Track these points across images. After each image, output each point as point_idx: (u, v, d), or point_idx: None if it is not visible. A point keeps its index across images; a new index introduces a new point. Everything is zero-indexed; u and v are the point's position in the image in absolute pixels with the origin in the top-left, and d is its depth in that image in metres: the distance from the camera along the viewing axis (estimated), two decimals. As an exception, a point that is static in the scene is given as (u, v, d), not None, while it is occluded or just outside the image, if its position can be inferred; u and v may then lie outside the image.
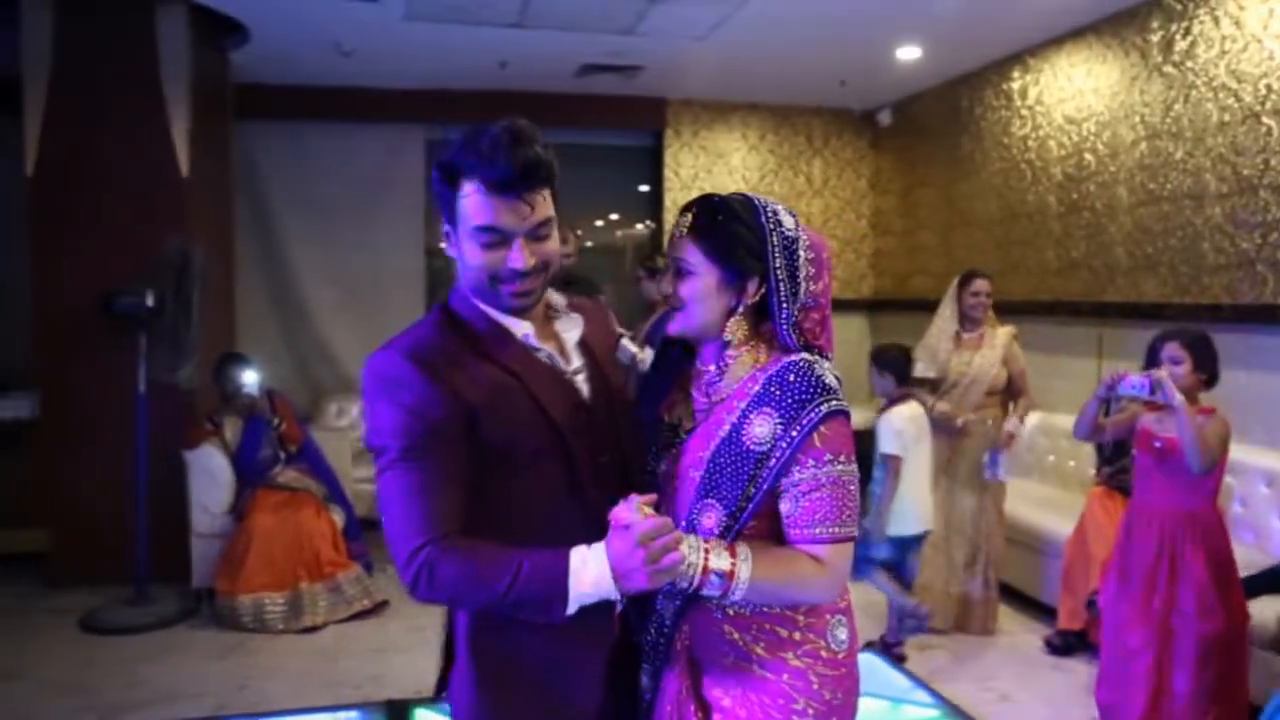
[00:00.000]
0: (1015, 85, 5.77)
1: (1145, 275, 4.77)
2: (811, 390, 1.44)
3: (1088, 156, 5.16)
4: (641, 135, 7.28)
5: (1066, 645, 4.02)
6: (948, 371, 4.20)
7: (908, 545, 3.93)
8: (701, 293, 1.49)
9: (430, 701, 3.45)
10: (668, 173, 7.15)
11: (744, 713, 1.47)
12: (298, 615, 4.38)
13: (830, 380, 1.46)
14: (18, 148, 4.76)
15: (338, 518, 4.79)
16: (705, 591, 1.40)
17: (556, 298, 1.59)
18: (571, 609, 1.34)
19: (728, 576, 1.39)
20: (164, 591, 4.59)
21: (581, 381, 1.55)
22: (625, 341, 4.50)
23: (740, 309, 1.51)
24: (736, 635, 1.48)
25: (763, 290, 1.50)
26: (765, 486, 1.44)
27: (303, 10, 4.94)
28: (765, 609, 1.48)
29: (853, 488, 1.46)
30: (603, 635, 1.52)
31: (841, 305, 7.19)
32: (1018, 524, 4.58)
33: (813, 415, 1.43)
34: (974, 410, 4.17)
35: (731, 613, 1.48)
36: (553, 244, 1.47)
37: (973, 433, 4.15)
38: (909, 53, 5.79)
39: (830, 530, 1.43)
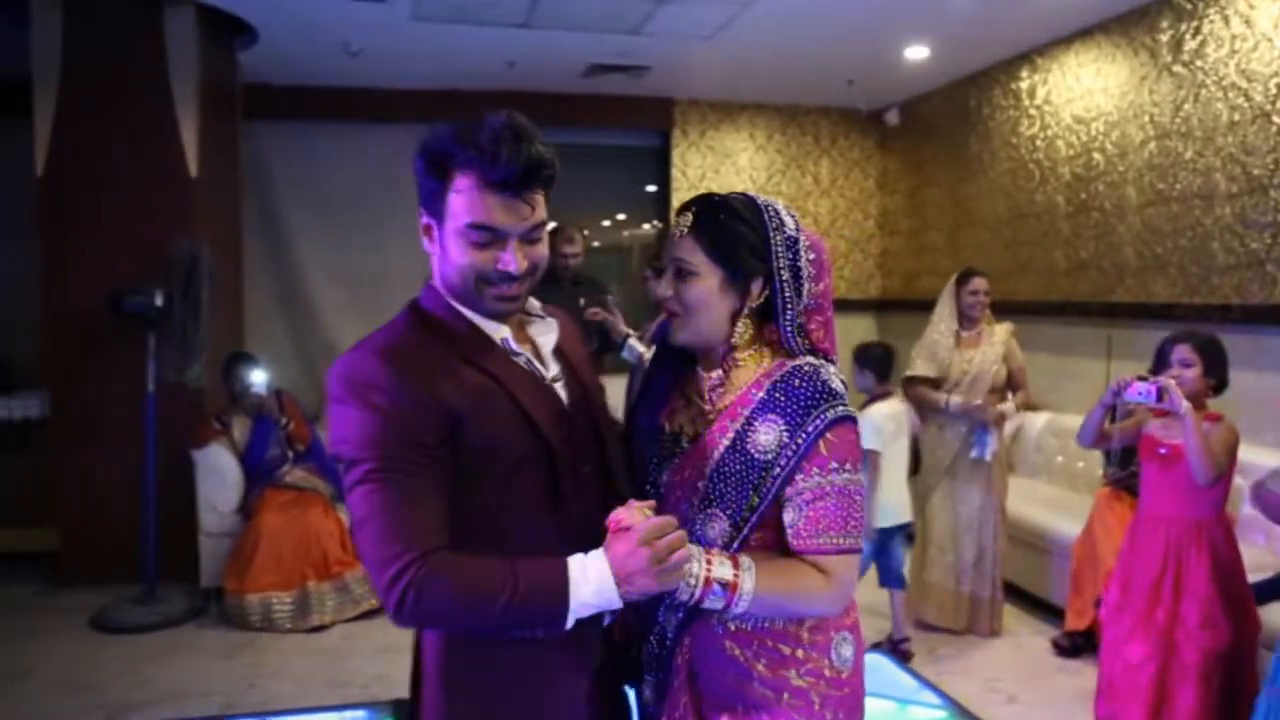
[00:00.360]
0: (1024, 85, 5.75)
1: (1154, 276, 4.75)
2: (818, 395, 1.39)
3: (1096, 156, 5.14)
4: (649, 135, 7.27)
5: (1074, 647, 4.00)
6: (949, 370, 4.19)
7: (890, 536, 4.00)
8: (704, 295, 1.44)
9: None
10: (675, 173, 7.14)
11: None
12: (305, 614, 4.39)
13: (837, 385, 1.42)
14: (28, 148, 4.78)
15: (345, 517, 4.80)
16: (707, 603, 1.34)
17: (533, 302, 1.49)
18: (571, 621, 1.27)
19: (730, 588, 1.33)
20: (172, 590, 4.60)
21: (560, 389, 1.45)
22: (633, 341, 4.49)
23: (744, 311, 1.46)
24: (738, 651, 1.43)
25: (766, 292, 1.46)
26: (770, 496, 1.39)
27: (310, 11, 4.95)
28: (767, 625, 1.43)
29: (858, 498, 1.41)
30: (587, 659, 1.43)
31: (848, 305, 7.20)
32: (1026, 525, 4.57)
33: (819, 421, 1.38)
34: None
35: (733, 628, 1.42)
36: (543, 248, 1.39)
37: (999, 415, 4.16)
38: (917, 52, 5.77)
39: (835, 541, 1.38)
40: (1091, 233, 5.20)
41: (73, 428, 4.86)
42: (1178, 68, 4.58)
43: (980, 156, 6.22)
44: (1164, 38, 4.67)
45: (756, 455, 1.40)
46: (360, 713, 3.56)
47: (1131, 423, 3.12)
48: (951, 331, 4.25)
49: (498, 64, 5.91)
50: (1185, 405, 2.76)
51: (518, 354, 1.41)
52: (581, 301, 4.50)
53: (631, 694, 1.56)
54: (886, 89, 6.78)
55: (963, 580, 4.23)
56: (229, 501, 4.68)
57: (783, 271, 1.45)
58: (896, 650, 4.01)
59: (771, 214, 1.47)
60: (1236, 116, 4.26)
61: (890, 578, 4.04)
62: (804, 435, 1.38)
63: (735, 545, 1.40)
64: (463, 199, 1.32)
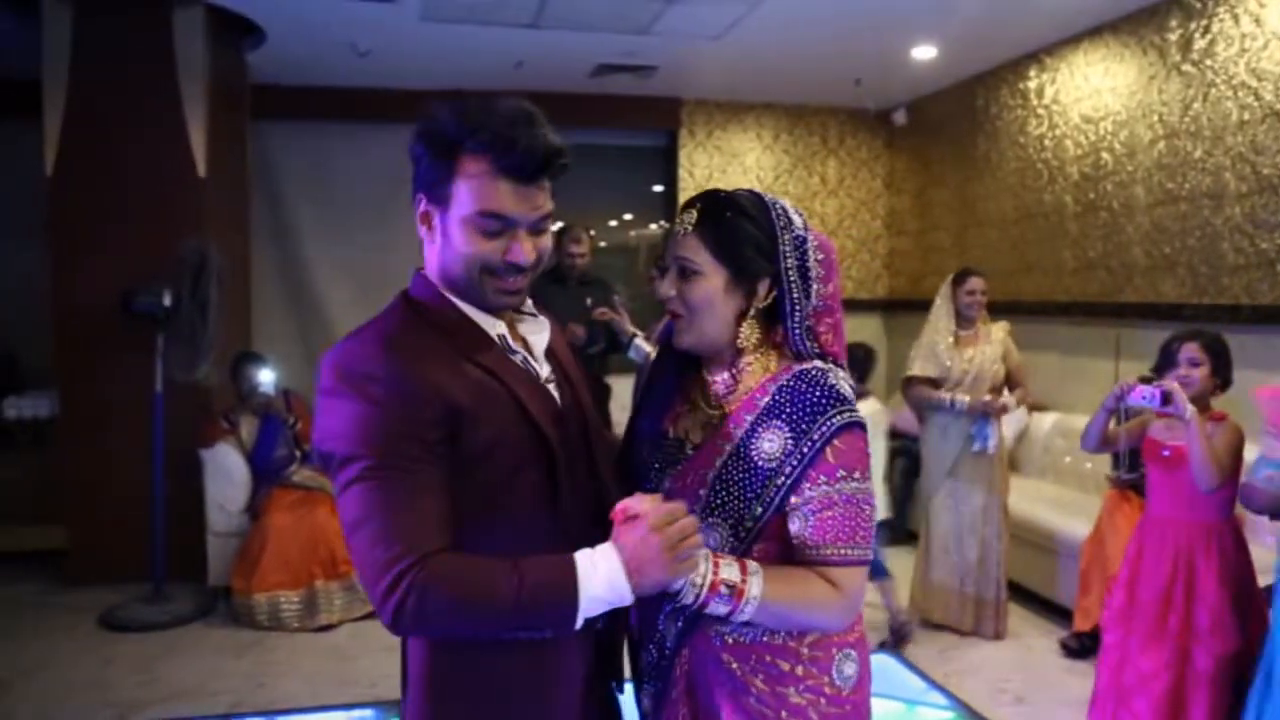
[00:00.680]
0: (1032, 84, 5.74)
1: (1163, 276, 4.74)
2: (825, 401, 1.33)
3: (1105, 156, 5.13)
4: (656, 135, 7.28)
5: (1082, 648, 3.99)
6: (950, 371, 4.18)
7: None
8: (709, 296, 1.38)
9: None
10: (682, 173, 7.14)
11: None
12: (313, 613, 4.40)
13: (845, 390, 1.36)
14: (38, 148, 4.81)
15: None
16: (711, 607, 1.28)
17: (526, 301, 1.41)
18: (582, 620, 1.19)
19: (737, 593, 1.27)
20: (181, 589, 4.62)
21: (553, 390, 1.38)
22: (639, 341, 4.49)
23: (750, 313, 1.40)
24: (735, 665, 1.36)
25: (773, 293, 1.41)
26: (774, 506, 1.33)
27: (319, 11, 4.97)
28: (765, 639, 1.36)
29: (867, 507, 1.35)
30: (577, 665, 1.37)
31: (856, 305, 7.18)
32: (1034, 525, 4.56)
33: (825, 428, 1.32)
34: None
35: (730, 641, 1.36)
36: (548, 240, 1.33)
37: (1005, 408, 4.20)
38: (924, 52, 5.76)
39: (843, 552, 1.32)
40: (1100, 233, 5.18)
41: (82, 427, 4.88)
42: (1187, 67, 4.57)
43: (988, 156, 6.21)
44: (1173, 37, 4.65)
45: (760, 463, 1.34)
46: (368, 711, 3.56)
47: (1135, 424, 3.08)
48: (950, 331, 4.24)
49: (506, 64, 5.92)
50: (1190, 410, 2.72)
51: (514, 351, 1.35)
52: (588, 301, 4.50)
53: (624, 699, 1.51)
54: (894, 89, 6.77)
55: (966, 581, 4.22)
56: (237, 501, 4.70)
57: (790, 271, 1.40)
58: (898, 635, 4.03)
59: (779, 211, 1.41)
60: (1246, 116, 4.25)
61: (872, 571, 4.02)
62: (810, 443, 1.32)
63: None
64: (473, 185, 1.25)
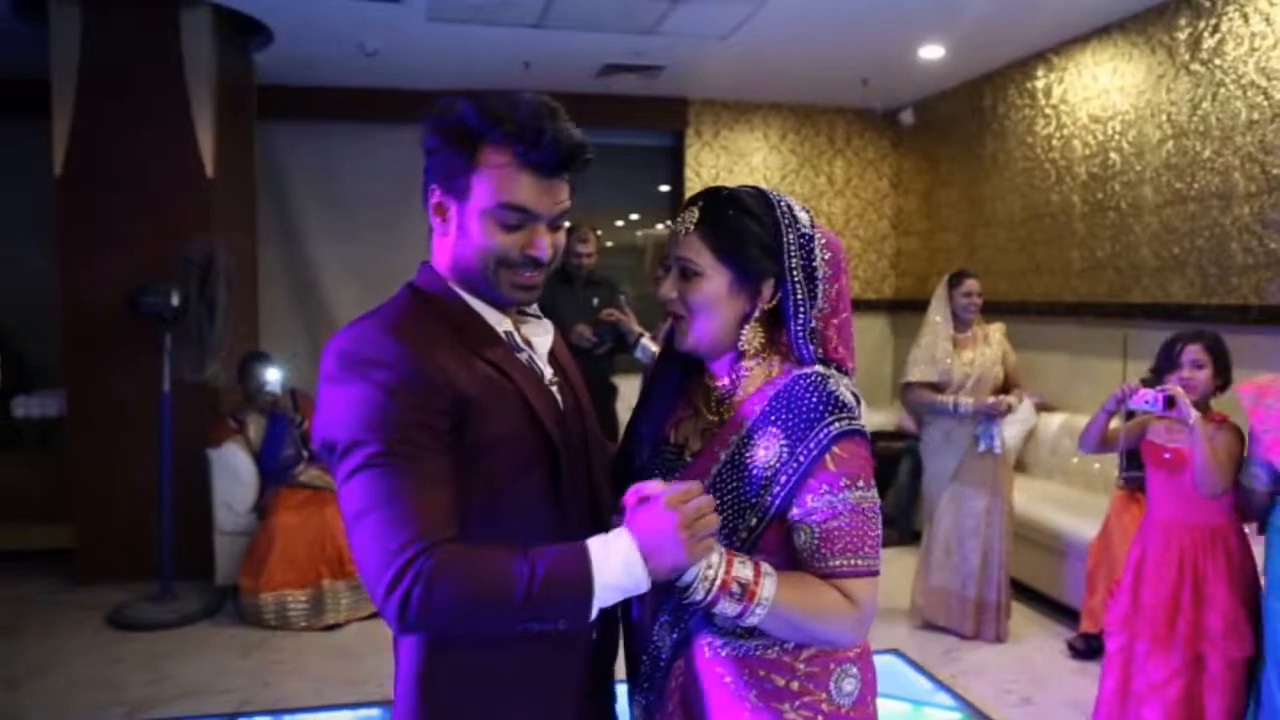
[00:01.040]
0: (1039, 84, 5.72)
1: (1171, 276, 4.72)
2: (822, 407, 1.27)
3: (1113, 156, 5.11)
4: (662, 135, 7.27)
5: (1089, 649, 3.97)
6: (950, 374, 4.16)
7: None
8: (712, 297, 1.33)
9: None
10: (688, 173, 7.14)
11: None
12: (320, 613, 4.41)
13: (845, 396, 1.30)
14: (46, 149, 4.82)
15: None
16: (720, 607, 1.21)
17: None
18: (596, 609, 1.15)
19: (748, 593, 1.20)
20: (188, 589, 4.63)
21: (556, 392, 1.35)
22: (646, 341, 4.47)
23: (754, 315, 1.35)
24: (729, 679, 1.31)
25: (778, 294, 1.36)
26: (770, 516, 1.28)
27: (326, 11, 4.97)
28: (759, 653, 1.31)
29: (874, 516, 1.30)
30: (572, 669, 1.33)
31: (863, 306, 7.18)
32: (1041, 526, 4.55)
33: (823, 436, 1.26)
34: None
35: (724, 653, 1.32)
36: (563, 236, 1.32)
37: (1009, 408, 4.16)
38: (932, 52, 5.75)
39: (851, 563, 1.27)
40: (1108, 233, 5.16)
41: (90, 427, 4.90)
42: (1196, 66, 4.55)
43: (995, 156, 6.19)
44: (1182, 36, 4.63)
45: (754, 471, 1.29)
46: (374, 711, 3.57)
47: (1134, 424, 3.04)
48: (947, 334, 4.22)
49: (513, 64, 5.92)
50: (1195, 415, 2.69)
51: (520, 350, 1.32)
52: (595, 301, 4.50)
53: (619, 707, 1.48)
54: (901, 88, 6.75)
55: (968, 584, 4.19)
56: (244, 500, 4.71)
57: (796, 272, 1.34)
58: None
59: (784, 209, 1.36)
60: (1255, 115, 4.23)
61: None
62: (806, 451, 1.26)
63: None
64: (495, 177, 1.22)
